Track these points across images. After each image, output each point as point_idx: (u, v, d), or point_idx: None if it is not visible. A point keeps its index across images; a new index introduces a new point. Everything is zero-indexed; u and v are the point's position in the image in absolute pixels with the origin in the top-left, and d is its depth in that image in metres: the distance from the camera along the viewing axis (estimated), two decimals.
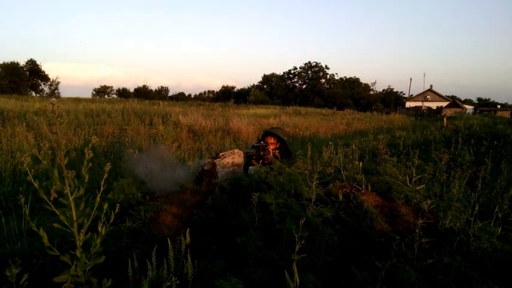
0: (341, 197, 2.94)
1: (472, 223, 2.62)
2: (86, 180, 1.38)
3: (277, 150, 4.39)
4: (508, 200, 3.70)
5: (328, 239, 2.35)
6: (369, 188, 3.24)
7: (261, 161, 4.22)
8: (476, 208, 2.75)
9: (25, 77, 64.80)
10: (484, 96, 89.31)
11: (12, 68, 61.18)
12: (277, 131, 4.53)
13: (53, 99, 1.31)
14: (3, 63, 61.35)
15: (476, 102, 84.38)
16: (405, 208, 3.00)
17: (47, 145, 1.30)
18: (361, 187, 3.24)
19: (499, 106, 66.18)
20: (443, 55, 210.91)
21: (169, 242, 2.17)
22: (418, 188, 3.38)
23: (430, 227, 2.72)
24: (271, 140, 4.40)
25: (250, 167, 4.05)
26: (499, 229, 2.74)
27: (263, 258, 2.19)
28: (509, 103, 75.89)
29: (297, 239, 1.63)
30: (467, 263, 2.20)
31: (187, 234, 2.29)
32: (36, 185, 1.34)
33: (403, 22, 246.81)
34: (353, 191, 3.11)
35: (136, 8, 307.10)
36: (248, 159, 4.33)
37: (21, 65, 64.31)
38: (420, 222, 2.33)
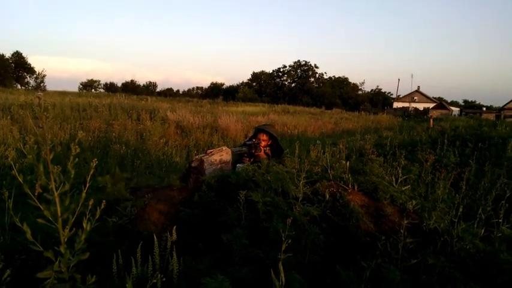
0: (328, 196, 2.95)
1: (456, 224, 2.65)
2: (72, 176, 1.36)
3: (268, 148, 4.36)
4: (491, 201, 3.76)
5: (314, 238, 2.35)
6: (356, 187, 3.26)
7: (252, 159, 4.19)
8: (460, 209, 2.78)
9: (10, 69, 63.84)
10: (470, 99, 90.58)
11: None
12: (270, 128, 4.50)
13: (39, 92, 1.28)
14: None
15: (463, 104, 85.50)
16: (391, 208, 3.03)
17: (32, 139, 1.28)
18: (347, 187, 3.26)
19: (484, 108, 67.08)
20: (431, 56, 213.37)
21: (155, 238, 2.16)
22: (403, 189, 3.41)
23: (414, 227, 2.74)
24: (263, 137, 4.37)
25: (238, 165, 4.04)
26: (482, 230, 2.77)
27: (249, 257, 2.19)
28: (495, 106, 77.03)
29: (283, 238, 1.64)
30: (451, 263, 2.23)
31: (174, 231, 2.28)
32: (20, 179, 1.32)
33: (392, 23, 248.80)
34: (340, 190, 3.12)
35: (126, 1, 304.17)
36: (239, 157, 4.30)
37: (6, 57, 63.35)
38: (405, 222, 2.35)
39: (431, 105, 60.13)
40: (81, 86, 78.01)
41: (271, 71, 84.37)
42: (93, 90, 73.64)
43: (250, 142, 4.22)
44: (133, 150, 8.11)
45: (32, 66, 67.51)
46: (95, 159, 1.50)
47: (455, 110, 59.01)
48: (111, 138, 8.61)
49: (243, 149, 4.22)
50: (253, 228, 2.54)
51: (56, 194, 1.36)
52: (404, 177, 3.67)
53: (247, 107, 32.38)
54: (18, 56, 65.73)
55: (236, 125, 14.03)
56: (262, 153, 4.22)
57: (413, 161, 5.33)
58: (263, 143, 4.32)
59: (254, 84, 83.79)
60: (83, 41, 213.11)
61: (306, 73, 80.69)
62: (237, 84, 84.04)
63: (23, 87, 59.27)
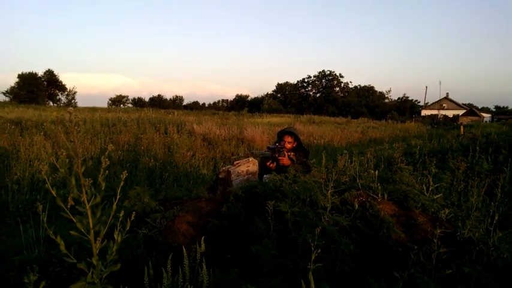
0: (357, 205, 2.90)
1: (491, 233, 2.56)
2: (103, 188, 1.39)
3: (291, 153, 4.32)
4: None
5: (344, 248, 2.32)
6: (385, 196, 3.20)
7: (275, 163, 4.15)
8: (496, 217, 2.69)
9: (43, 87, 66.15)
10: (502, 104, 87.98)
11: (30, 78, 62.55)
12: (294, 130, 4.49)
13: (70, 108, 1.32)
14: (22, 73, 62.76)
15: (494, 110, 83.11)
16: (422, 217, 2.95)
17: (64, 153, 1.32)
18: (377, 196, 3.20)
19: None
20: (459, 62, 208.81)
21: (184, 250, 2.18)
22: (435, 197, 3.33)
23: (448, 236, 2.67)
24: (288, 139, 4.33)
25: (264, 176, 4.02)
26: None
27: (278, 267, 2.17)
28: None
29: (312, 248, 1.62)
30: (487, 273, 2.15)
31: (202, 242, 2.29)
32: (53, 192, 1.35)
33: (418, 30, 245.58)
34: (369, 199, 3.07)
35: (151, 17, 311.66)
36: (263, 161, 4.28)
37: (39, 75, 65.68)
38: (438, 231, 2.29)
39: (461, 112, 58.73)
40: (110, 102, 80.00)
41: (295, 82, 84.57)
42: (121, 105, 75.36)
43: (273, 146, 4.19)
44: (161, 163, 8.23)
45: (63, 83, 69.88)
46: (125, 171, 1.53)
47: (487, 116, 57.46)
48: (139, 152, 8.76)
49: (266, 152, 4.18)
50: (281, 239, 2.53)
51: (87, 206, 1.38)
52: (436, 185, 3.58)
53: (272, 118, 32.42)
54: (50, 74, 68.11)
55: (262, 136, 14.06)
56: (286, 158, 4.17)
57: (444, 169, 5.20)
58: (289, 145, 4.27)
59: (279, 95, 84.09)
60: (110, 57, 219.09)
61: (331, 83, 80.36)
62: (262, 96, 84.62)
63: (55, 104, 61.28)
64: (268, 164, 4.14)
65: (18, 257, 3.36)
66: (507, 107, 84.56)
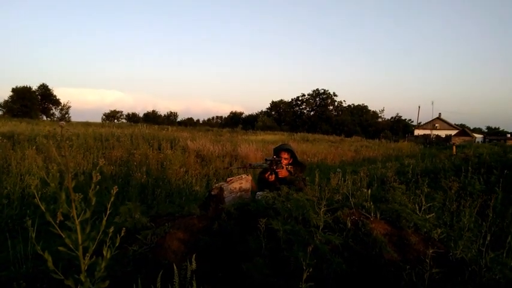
0: (349, 224, 2.89)
1: (483, 253, 2.56)
2: (93, 203, 1.37)
3: (290, 166, 4.38)
4: None
5: (336, 268, 2.30)
6: (378, 215, 3.20)
7: (273, 175, 4.20)
8: (488, 238, 2.69)
9: (37, 101, 66.02)
10: (493, 125, 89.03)
11: (24, 92, 62.41)
12: (289, 146, 4.56)
13: (62, 122, 1.32)
14: (16, 87, 62.64)
15: (486, 130, 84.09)
16: (415, 237, 2.95)
17: (55, 167, 1.31)
18: (369, 215, 3.20)
19: (508, 135, 65.60)
20: (451, 83, 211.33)
21: (175, 267, 2.15)
22: (428, 217, 3.32)
23: (440, 256, 2.66)
24: (285, 155, 4.42)
25: (257, 193, 4.02)
26: None
27: (270, 286, 2.15)
28: None
29: (304, 267, 1.61)
30: None
31: (193, 260, 2.27)
32: (42, 207, 1.33)
33: (411, 50, 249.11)
34: (361, 218, 3.06)
35: (146, 33, 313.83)
36: (262, 174, 4.32)
37: (33, 89, 65.59)
38: (430, 251, 2.28)
39: (453, 132, 59.31)
40: (104, 117, 79.94)
41: (290, 100, 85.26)
42: (115, 120, 75.30)
43: (271, 158, 4.24)
44: (154, 179, 8.17)
45: (57, 98, 69.79)
46: (115, 187, 1.52)
47: (479, 136, 58.02)
48: (132, 167, 8.70)
49: (264, 164, 4.23)
50: (273, 257, 2.50)
51: (77, 221, 1.37)
52: (428, 205, 3.58)
53: (266, 136, 32.46)
54: (44, 88, 68.05)
55: (256, 153, 14.05)
56: (284, 170, 4.23)
57: (436, 188, 5.20)
58: (285, 161, 4.34)
59: (273, 113, 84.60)
60: (105, 72, 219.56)
61: (325, 101, 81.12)
62: (256, 113, 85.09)
63: (48, 119, 61.03)
64: (266, 175, 4.18)
65: (5, 272, 3.31)
66: (498, 128, 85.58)
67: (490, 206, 3.51)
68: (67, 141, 1.24)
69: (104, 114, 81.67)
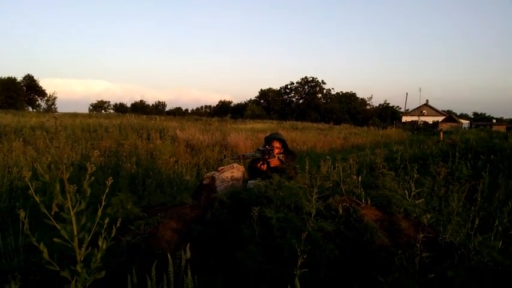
0: (341, 211, 2.92)
1: (472, 237, 2.61)
2: (88, 194, 1.37)
3: (281, 155, 4.41)
4: (507, 213, 3.70)
5: (329, 254, 2.33)
6: (369, 202, 3.23)
7: (265, 165, 4.22)
8: (476, 222, 2.74)
9: (22, 93, 65.09)
10: (479, 111, 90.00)
11: (9, 83, 61.47)
12: (280, 136, 4.59)
13: (56, 113, 1.31)
14: (0, 78, 61.54)
15: (472, 116, 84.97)
16: (405, 222, 2.99)
17: (49, 159, 1.30)
18: (360, 201, 3.23)
19: (494, 120, 66.53)
20: (438, 70, 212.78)
21: (169, 257, 2.16)
22: (417, 202, 3.37)
23: (430, 241, 2.71)
24: (276, 144, 4.44)
25: (249, 182, 4.03)
26: (500, 243, 2.73)
27: (264, 273, 2.17)
28: (505, 117, 76.44)
29: (299, 253, 1.63)
30: (470, 276, 2.19)
31: (188, 249, 2.28)
32: (37, 199, 1.33)
33: (398, 37, 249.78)
34: (353, 205, 3.10)
35: (133, 22, 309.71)
36: (253, 163, 4.34)
37: (18, 80, 64.57)
38: (421, 236, 2.32)
39: (440, 118, 59.86)
40: (91, 108, 79.01)
41: (278, 88, 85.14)
42: (103, 111, 74.51)
43: (263, 148, 4.26)
44: (144, 169, 8.13)
45: (43, 89, 68.84)
46: (110, 178, 1.51)
47: (465, 122, 58.68)
48: (121, 158, 8.64)
49: (257, 154, 4.26)
50: (267, 245, 2.52)
51: (72, 213, 1.37)
52: (417, 190, 3.63)
53: (255, 124, 32.46)
54: (29, 79, 67.05)
55: (245, 142, 14.04)
56: (276, 159, 4.26)
57: (425, 174, 5.28)
58: (276, 150, 4.37)
59: (262, 101, 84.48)
60: (92, 62, 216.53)
61: (314, 89, 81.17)
62: (245, 102, 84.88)
63: (34, 110, 60.19)
64: (258, 165, 4.20)
65: None
66: (485, 114, 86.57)
67: (478, 190, 3.58)
68: (61, 133, 1.23)
69: (91, 105, 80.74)
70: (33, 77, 67.53)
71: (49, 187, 1.34)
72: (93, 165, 1.34)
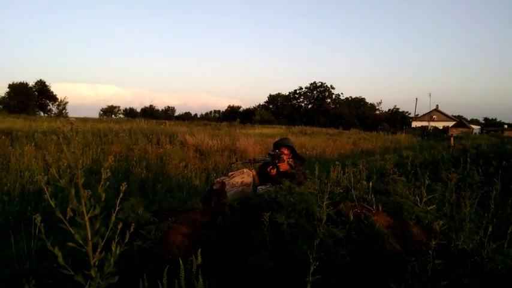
0: (352, 217, 2.91)
1: (485, 244, 2.59)
2: (103, 199, 1.38)
3: (291, 160, 4.44)
4: None
5: (340, 260, 2.32)
6: (380, 208, 3.22)
7: (275, 169, 4.26)
8: (490, 229, 2.71)
9: (33, 97, 65.85)
10: (490, 116, 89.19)
11: (21, 88, 62.25)
12: (289, 142, 4.63)
13: (72, 118, 1.33)
14: (13, 83, 62.48)
15: (483, 122, 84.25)
16: (417, 229, 2.97)
17: (65, 164, 1.31)
18: (371, 207, 3.22)
19: (505, 126, 65.92)
20: (448, 75, 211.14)
21: (181, 262, 2.16)
22: (429, 209, 3.35)
23: (442, 248, 2.68)
24: (285, 150, 4.48)
25: (259, 187, 4.03)
26: None
27: (275, 279, 2.17)
28: None
29: (311, 260, 1.62)
30: (484, 284, 2.17)
31: (199, 254, 2.28)
32: (52, 203, 1.34)
33: (408, 42, 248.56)
34: (364, 211, 3.08)
35: (143, 28, 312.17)
36: (263, 167, 4.37)
37: (30, 85, 65.39)
38: (433, 243, 2.30)
39: (450, 123, 59.45)
40: (101, 112, 79.78)
41: (287, 93, 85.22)
42: (113, 115, 75.19)
43: (273, 153, 4.30)
44: (154, 174, 8.18)
45: (54, 94, 69.59)
46: (124, 183, 1.52)
47: (476, 128, 58.16)
48: (131, 163, 8.70)
49: (267, 158, 4.31)
50: (278, 251, 2.52)
51: (86, 217, 1.38)
52: (429, 197, 3.61)
53: (264, 129, 32.47)
54: (41, 84, 67.84)
55: (254, 147, 14.06)
56: (285, 163, 4.30)
57: (436, 180, 5.24)
58: (285, 156, 4.41)
59: (271, 106, 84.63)
60: (102, 67, 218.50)
61: (322, 94, 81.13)
62: (254, 107, 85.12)
63: (45, 115, 60.84)
64: (268, 169, 4.25)
65: (9, 269, 3.32)
66: (495, 119, 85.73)
67: (492, 197, 3.54)
68: (76, 138, 1.25)
69: (101, 110, 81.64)
70: (44, 82, 68.37)
71: (61, 192, 1.36)
72: (108, 170, 1.36)
